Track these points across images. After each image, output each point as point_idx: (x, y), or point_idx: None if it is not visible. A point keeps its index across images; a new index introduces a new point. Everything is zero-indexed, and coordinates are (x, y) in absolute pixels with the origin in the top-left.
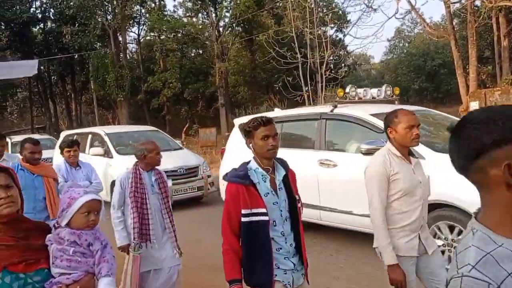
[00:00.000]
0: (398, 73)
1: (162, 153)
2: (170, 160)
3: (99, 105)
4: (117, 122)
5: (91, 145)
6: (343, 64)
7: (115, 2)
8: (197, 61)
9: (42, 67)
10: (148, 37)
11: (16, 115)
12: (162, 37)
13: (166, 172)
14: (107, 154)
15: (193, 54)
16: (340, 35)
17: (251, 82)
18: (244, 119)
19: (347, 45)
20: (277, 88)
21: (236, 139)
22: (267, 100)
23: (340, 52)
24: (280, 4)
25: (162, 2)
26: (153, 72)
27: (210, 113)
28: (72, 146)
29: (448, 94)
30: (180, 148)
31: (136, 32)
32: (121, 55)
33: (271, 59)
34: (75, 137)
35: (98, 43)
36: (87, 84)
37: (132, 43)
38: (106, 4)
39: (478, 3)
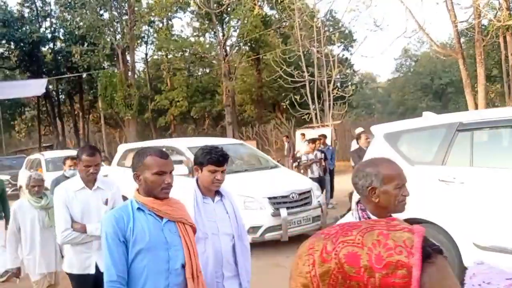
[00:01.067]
0: (405, 92)
1: (256, 172)
2: (276, 183)
3: (106, 124)
4: (124, 140)
5: None
6: (350, 83)
7: (124, 22)
8: (204, 80)
9: (50, 86)
10: (155, 56)
11: (24, 133)
12: (170, 56)
13: (275, 198)
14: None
15: (200, 73)
16: (347, 54)
17: (258, 100)
18: (389, 126)
19: (353, 64)
20: (284, 106)
21: (378, 149)
22: (274, 119)
23: (347, 71)
24: (287, 24)
25: (170, 22)
26: (161, 91)
27: (216, 131)
28: (223, 163)
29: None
30: (276, 166)
31: (144, 51)
32: (129, 74)
33: (278, 78)
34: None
35: (107, 62)
36: (95, 102)
37: (140, 62)
38: (115, 24)
39: (485, 22)
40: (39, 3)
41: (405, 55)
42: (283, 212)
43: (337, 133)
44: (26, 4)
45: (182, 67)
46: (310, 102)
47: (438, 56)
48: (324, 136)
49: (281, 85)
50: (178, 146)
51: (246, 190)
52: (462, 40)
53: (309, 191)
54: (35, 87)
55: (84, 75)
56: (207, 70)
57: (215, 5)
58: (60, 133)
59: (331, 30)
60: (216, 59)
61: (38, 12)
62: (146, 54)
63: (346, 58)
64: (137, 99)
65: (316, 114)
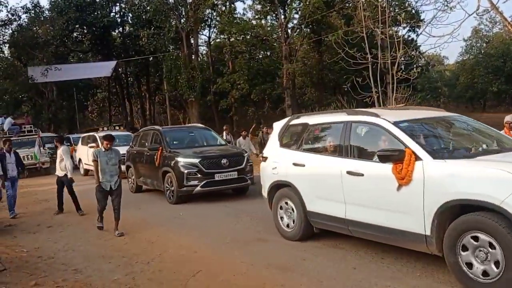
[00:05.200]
0: (474, 75)
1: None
2: None
3: (171, 105)
4: (188, 122)
5: None
6: (415, 65)
7: (188, 6)
8: (264, 63)
9: (120, 69)
10: (218, 40)
11: (95, 114)
12: (232, 39)
13: None
14: None
15: (261, 56)
16: (413, 35)
17: (318, 83)
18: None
19: (420, 45)
20: (345, 89)
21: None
22: (335, 102)
23: (412, 53)
24: (350, 4)
25: (232, 5)
26: (222, 73)
27: (276, 114)
28: None
29: None
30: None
31: (207, 34)
32: (193, 57)
33: (340, 60)
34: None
35: (172, 46)
36: (161, 85)
37: (203, 46)
38: (180, 8)
39: None
40: None
41: (475, 36)
42: None
43: None
44: None
45: (243, 50)
46: (372, 85)
47: None
48: None
49: (342, 68)
50: None
51: None
52: None
53: None
54: (105, 68)
55: (151, 58)
56: (268, 53)
57: None
58: (129, 113)
59: (396, 10)
60: (277, 42)
61: None
62: (209, 37)
63: (412, 39)
64: (200, 81)
65: (378, 97)
